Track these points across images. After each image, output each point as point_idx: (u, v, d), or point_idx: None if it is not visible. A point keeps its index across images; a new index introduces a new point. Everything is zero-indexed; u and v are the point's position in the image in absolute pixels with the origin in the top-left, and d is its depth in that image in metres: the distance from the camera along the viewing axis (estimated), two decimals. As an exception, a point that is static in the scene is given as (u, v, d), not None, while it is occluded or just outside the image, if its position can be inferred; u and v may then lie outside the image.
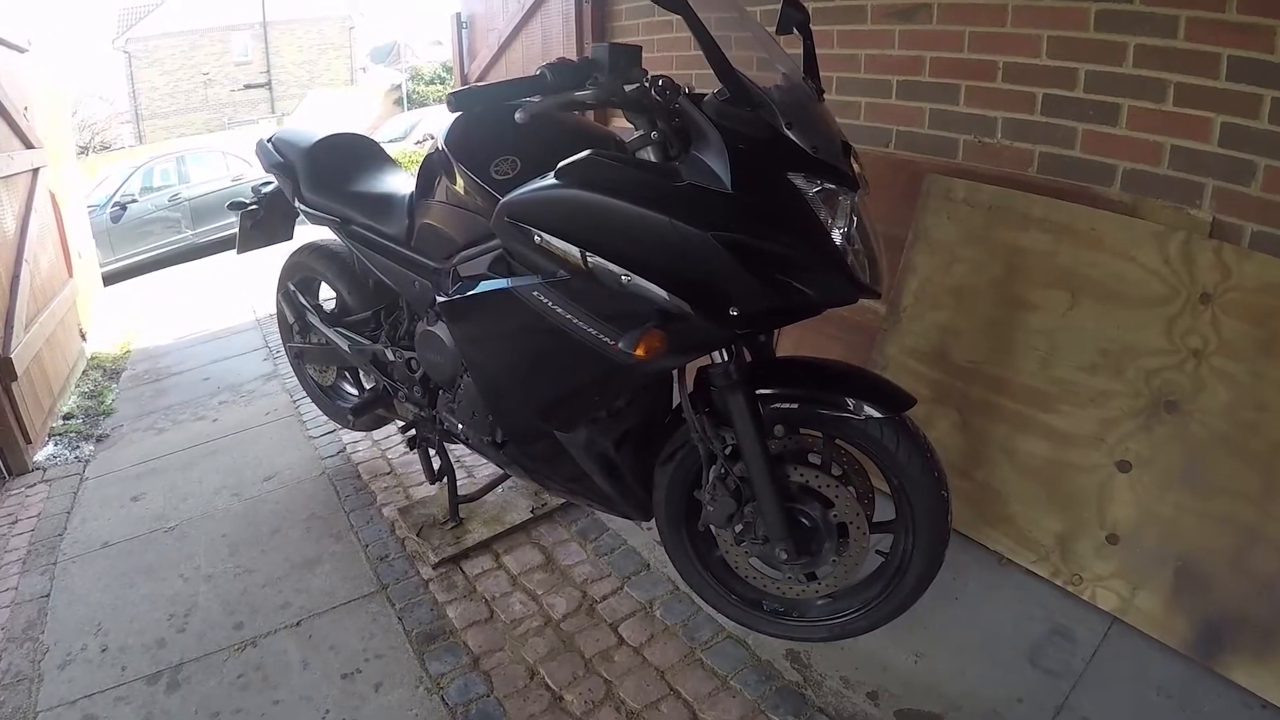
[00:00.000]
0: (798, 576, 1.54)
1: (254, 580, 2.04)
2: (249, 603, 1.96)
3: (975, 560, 1.89)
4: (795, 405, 1.45)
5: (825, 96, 1.33)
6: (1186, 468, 1.65)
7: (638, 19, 3.05)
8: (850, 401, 1.41)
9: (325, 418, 2.71)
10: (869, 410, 1.39)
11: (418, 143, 13.18)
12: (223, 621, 1.90)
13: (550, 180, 1.34)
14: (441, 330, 1.77)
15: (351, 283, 2.22)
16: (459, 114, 1.65)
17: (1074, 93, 1.83)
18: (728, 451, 1.46)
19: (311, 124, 2.63)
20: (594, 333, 1.34)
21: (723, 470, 1.47)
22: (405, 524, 2.15)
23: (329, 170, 2.12)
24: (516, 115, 1.21)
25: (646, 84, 1.27)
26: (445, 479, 2.09)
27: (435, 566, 2.01)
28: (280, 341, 3.76)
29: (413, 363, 1.98)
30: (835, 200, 1.23)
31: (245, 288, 5.00)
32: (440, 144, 1.65)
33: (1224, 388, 1.62)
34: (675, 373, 1.49)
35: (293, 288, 2.41)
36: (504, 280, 1.48)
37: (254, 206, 2.37)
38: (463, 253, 1.64)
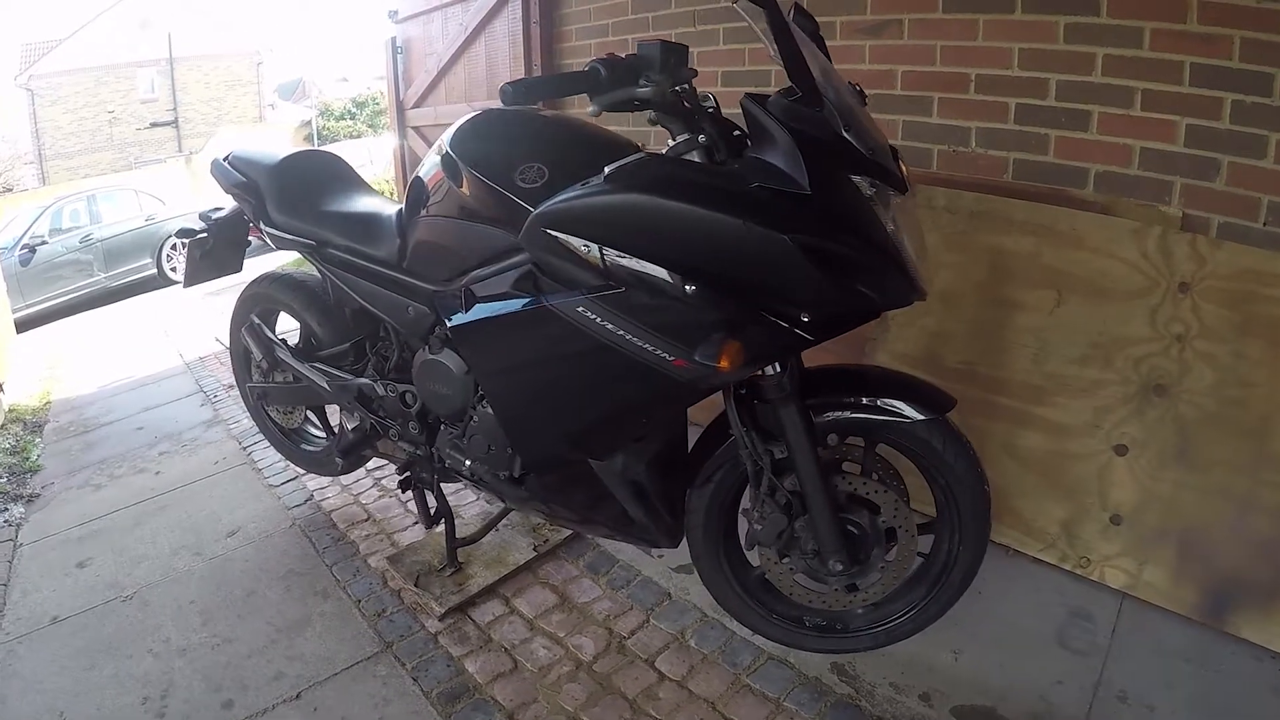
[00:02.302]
0: (840, 588, 1.53)
1: (236, 650, 1.83)
2: (236, 677, 1.75)
3: (987, 555, 1.93)
4: (844, 413, 1.43)
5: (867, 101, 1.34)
6: (1180, 446, 1.76)
7: (588, 39, 3.03)
8: (896, 405, 1.41)
9: (285, 463, 2.50)
10: (915, 412, 1.40)
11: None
12: (208, 701, 1.69)
13: (598, 185, 1.26)
14: (449, 358, 1.66)
15: (323, 313, 2.06)
16: (465, 121, 1.57)
17: (1046, 101, 1.94)
18: (774, 466, 1.43)
19: (269, 142, 2.45)
20: (650, 348, 1.27)
21: (771, 486, 1.44)
22: (399, 574, 2.00)
23: (299, 190, 1.96)
24: (589, 109, 1.18)
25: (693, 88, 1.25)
26: (442, 522, 1.95)
27: (441, 618, 1.87)
28: (219, 384, 3.52)
29: (408, 396, 1.84)
30: (889, 202, 1.23)
31: (166, 331, 4.67)
32: (447, 149, 1.52)
33: (1208, 369, 1.73)
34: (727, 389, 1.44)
35: (258, 321, 2.21)
36: (536, 298, 1.39)
37: (203, 235, 2.17)
38: (475, 271, 1.53)
